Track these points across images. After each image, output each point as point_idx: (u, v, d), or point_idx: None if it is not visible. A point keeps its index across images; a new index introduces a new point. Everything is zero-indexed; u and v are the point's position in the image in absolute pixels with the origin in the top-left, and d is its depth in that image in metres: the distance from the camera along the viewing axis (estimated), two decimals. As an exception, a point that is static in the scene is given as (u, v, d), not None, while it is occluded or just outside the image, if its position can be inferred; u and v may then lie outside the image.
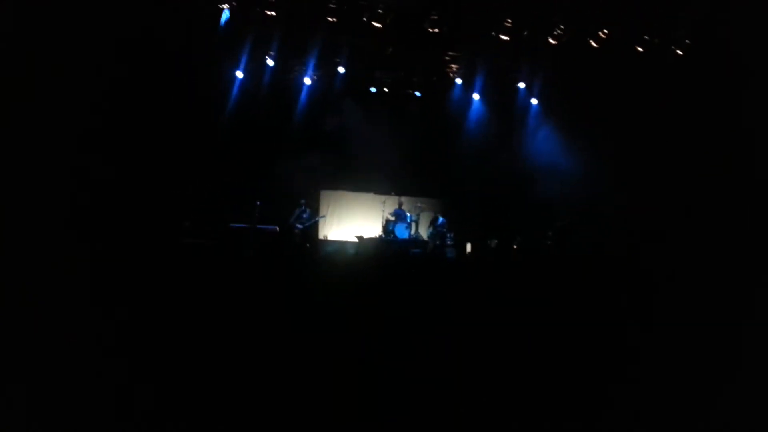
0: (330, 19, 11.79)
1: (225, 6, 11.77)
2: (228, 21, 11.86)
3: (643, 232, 11.43)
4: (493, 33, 12.32)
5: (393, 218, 13.97)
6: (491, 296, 5.39)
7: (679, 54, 12.44)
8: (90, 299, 4.43)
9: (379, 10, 11.68)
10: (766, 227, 9.15)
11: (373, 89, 14.83)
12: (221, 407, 3.33)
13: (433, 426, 3.25)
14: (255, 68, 13.69)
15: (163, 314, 4.45)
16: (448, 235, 13.84)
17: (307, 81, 14.23)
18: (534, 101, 15.08)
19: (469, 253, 13.95)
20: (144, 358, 3.72)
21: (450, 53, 14.03)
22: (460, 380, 3.62)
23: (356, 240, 13.43)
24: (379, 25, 11.86)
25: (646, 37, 12.43)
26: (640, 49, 12.53)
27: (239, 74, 13.53)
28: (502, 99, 15.12)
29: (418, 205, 14.64)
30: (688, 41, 12.35)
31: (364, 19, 11.80)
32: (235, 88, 13.59)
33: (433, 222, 14.25)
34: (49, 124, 7.32)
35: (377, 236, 13.70)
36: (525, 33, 12.39)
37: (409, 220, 14.13)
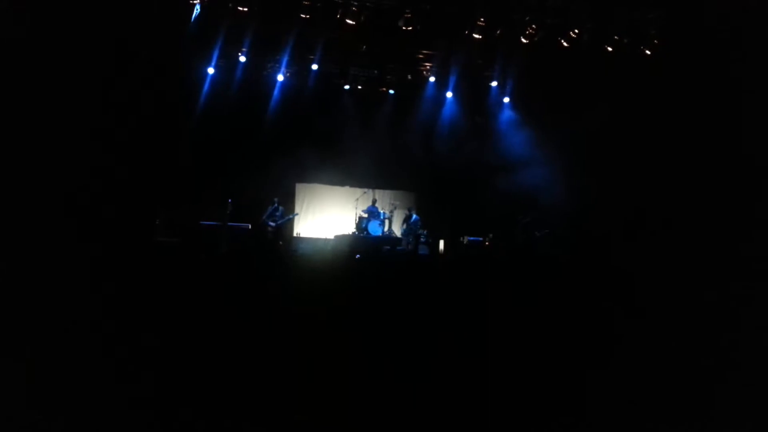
0: (303, 16, 11.72)
1: (196, 1, 11.61)
2: (199, 17, 11.70)
3: (616, 231, 11.61)
4: (467, 32, 12.40)
5: (366, 215, 13.98)
6: (469, 295, 5.42)
7: (648, 54, 12.67)
8: (67, 298, 4.36)
9: (353, 8, 11.66)
10: (739, 225, 9.39)
11: (346, 86, 14.80)
12: (201, 408, 3.31)
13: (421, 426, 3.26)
14: (227, 65, 13.57)
15: (140, 313, 4.40)
16: (422, 232, 13.90)
17: (280, 78, 14.15)
18: (506, 100, 15.23)
19: (442, 250, 14.04)
20: (122, 358, 3.68)
21: (424, 51, 14.08)
22: (452, 381, 3.63)
23: (329, 237, 13.42)
24: (353, 23, 11.84)
25: (616, 38, 12.63)
26: (609, 49, 12.74)
27: (211, 71, 13.38)
28: (475, 97, 15.24)
29: (392, 202, 14.69)
30: (656, 41, 12.58)
31: (338, 16, 11.77)
32: (207, 85, 13.46)
33: (406, 219, 14.30)
34: (16, 125, 7.18)
35: (350, 233, 13.72)
36: (498, 32, 12.49)
37: (382, 218, 14.15)
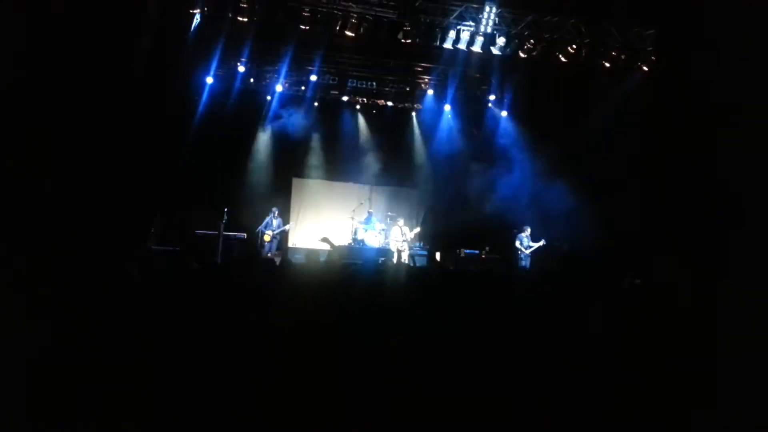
0: (303, 27, 11.77)
1: (196, 11, 11.65)
2: (199, 26, 11.74)
3: (610, 243, 11.61)
4: (465, 46, 12.46)
5: (362, 226, 13.94)
6: (465, 304, 5.39)
7: (645, 70, 12.74)
8: (60, 307, 4.32)
9: (353, 20, 11.72)
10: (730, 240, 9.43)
11: (345, 98, 14.86)
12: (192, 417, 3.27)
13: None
14: (226, 74, 13.62)
15: (135, 323, 4.35)
16: (418, 243, 13.83)
17: (279, 88, 14.20)
18: (504, 113, 15.27)
19: (439, 261, 13.96)
20: (112, 364, 3.63)
21: (422, 64, 14.15)
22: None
23: (324, 248, 13.33)
24: (352, 35, 11.90)
25: (613, 54, 12.70)
26: (607, 65, 12.81)
27: (209, 80, 13.41)
28: (472, 110, 15.32)
29: (389, 214, 14.65)
30: (653, 57, 12.65)
31: (338, 27, 11.82)
32: (205, 95, 13.50)
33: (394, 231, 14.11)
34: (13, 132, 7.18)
35: (346, 244, 13.66)
36: (496, 46, 12.55)
37: (378, 229, 14.09)
